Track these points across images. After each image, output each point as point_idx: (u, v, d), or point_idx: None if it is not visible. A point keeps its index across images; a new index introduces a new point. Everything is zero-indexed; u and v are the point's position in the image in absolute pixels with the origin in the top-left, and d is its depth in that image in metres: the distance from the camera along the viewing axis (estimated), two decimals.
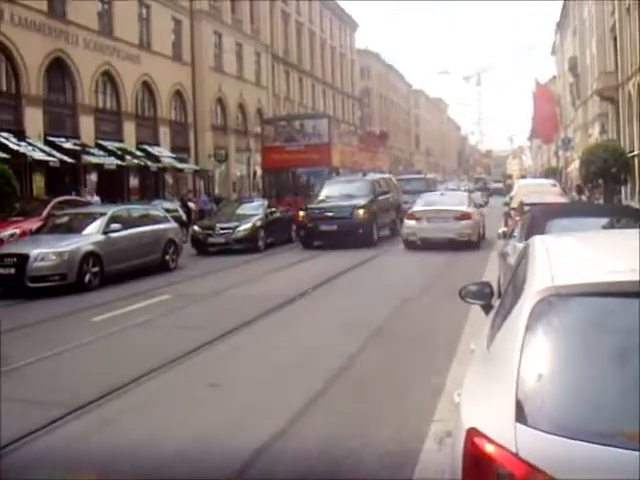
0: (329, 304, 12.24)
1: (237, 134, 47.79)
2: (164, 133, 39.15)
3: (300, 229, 22.97)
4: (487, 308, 4.75)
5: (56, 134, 30.13)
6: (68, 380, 7.66)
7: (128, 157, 33.34)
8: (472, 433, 2.50)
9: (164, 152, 37.95)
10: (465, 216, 20.27)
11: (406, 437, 5.47)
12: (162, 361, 8.07)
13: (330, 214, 22.15)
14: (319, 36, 67.81)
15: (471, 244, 19.94)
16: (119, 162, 32.28)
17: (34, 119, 28.92)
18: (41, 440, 5.71)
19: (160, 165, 36.34)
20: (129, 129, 35.69)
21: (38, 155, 27.23)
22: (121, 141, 34.75)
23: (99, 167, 31.17)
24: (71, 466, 5.23)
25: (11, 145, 26.36)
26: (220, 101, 45.91)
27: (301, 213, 22.74)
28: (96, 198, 28.13)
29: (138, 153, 35.13)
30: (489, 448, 2.41)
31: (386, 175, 29.78)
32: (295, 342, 9.23)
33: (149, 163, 35.08)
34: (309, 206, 23.06)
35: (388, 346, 8.82)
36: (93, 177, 31.37)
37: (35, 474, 5.15)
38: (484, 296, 4.85)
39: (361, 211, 22.12)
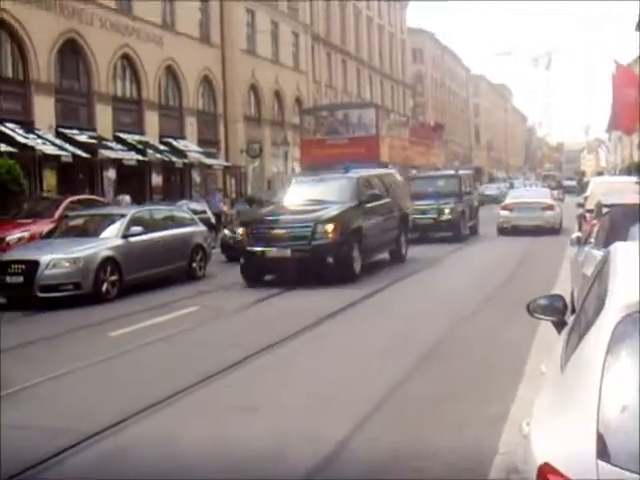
0: (374, 319, 12.21)
1: (273, 126, 47.97)
2: (190, 125, 39.47)
3: (239, 254, 17.55)
4: (559, 325, 4.70)
5: (69, 125, 30.54)
6: (80, 403, 7.73)
7: (150, 151, 33.66)
8: (545, 469, 2.46)
9: (191, 146, 38.27)
10: (550, 207, 28.02)
11: (466, 472, 5.42)
12: (187, 382, 8.10)
13: (282, 231, 16.36)
14: (365, 14, 67.85)
15: (554, 230, 26.80)
16: (140, 157, 32.59)
17: (44, 108, 29.35)
18: (46, 474, 5.75)
19: (186, 161, 36.63)
20: (151, 120, 36.04)
21: (49, 149, 27.62)
22: (142, 134, 35.10)
23: (117, 163, 31.52)
24: None
25: (18, 138, 26.77)
26: (253, 88, 46.14)
27: (240, 230, 17.74)
28: (127, 198, 27.25)
29: (161, 147, 35.47)
30: None
31: (385, 170, 23.50)
32: (337, 362, 9.20)
33: (174, 158, 35.38)
34: (254, 218, 18.18)
35: (442, 368, 8.75)
36: (111, 174, 31.73)
37: None
38: (556, 311, 4.80)
39: (329, 227, 16.13)
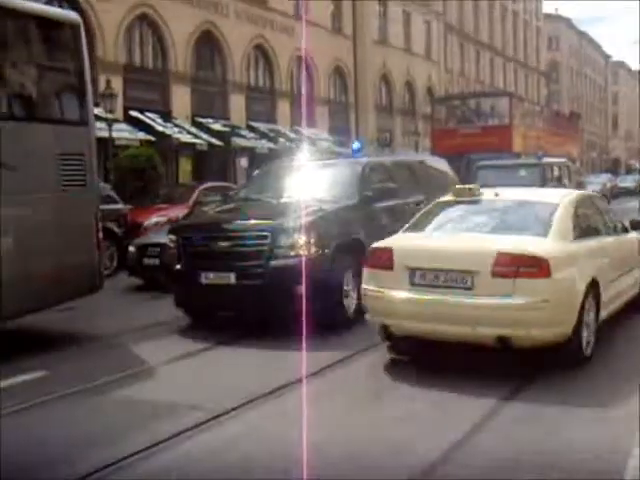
0: None
1: (404, 115, 47.80)
2: (321, 114, 39.70)
3: (168, 276, 11.42)
4: None
5: (204, 115, 31.25)
6: (207, 383, 7.81)
7: (281, 140, 34.06)
8: None
9: (321, 135, 38.50)
10: None
11: (603, 468, 5.21)
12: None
13: (225, 244, 10.03)
14: (499, 1, 66.57)
15: None
16: (272, 145, 33.03)
17: (181, 98, 30.13)
18: (179, 448, 5.87)
19: (317, 149, 36.88)
20: (283, 109, 36.48)
21: (185, 137, 28.34)
22: (274, 122, 35.56)
23: (250, 151, 32.01)
24: None
25: (157, 127, 27.59)
26: (385, 78, 46.06)
27: (171, 237, 10.89)
28: None
29: (292, 136, 35.82)
30: None
31: (418, 156, 15.06)
32: None
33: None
34: (189, 222, 13.20)
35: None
36: (243, 162, 32.30)
37: None
38: None
39: (300, 238, 9.68)
